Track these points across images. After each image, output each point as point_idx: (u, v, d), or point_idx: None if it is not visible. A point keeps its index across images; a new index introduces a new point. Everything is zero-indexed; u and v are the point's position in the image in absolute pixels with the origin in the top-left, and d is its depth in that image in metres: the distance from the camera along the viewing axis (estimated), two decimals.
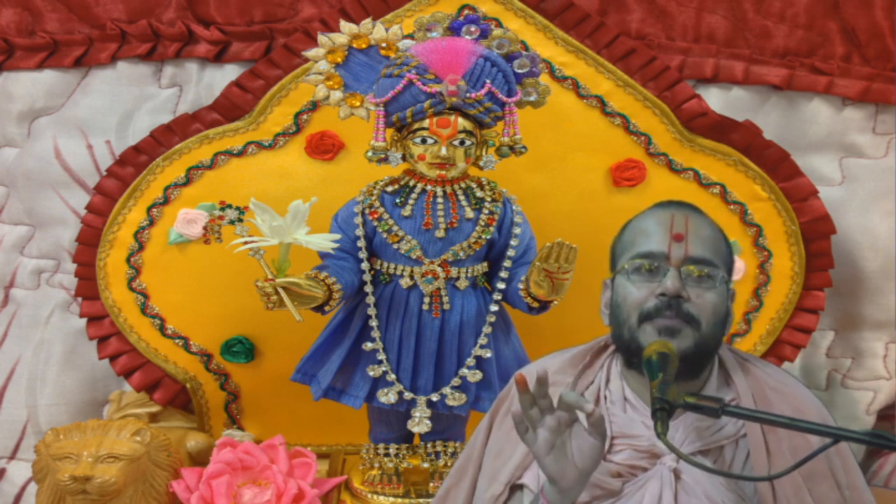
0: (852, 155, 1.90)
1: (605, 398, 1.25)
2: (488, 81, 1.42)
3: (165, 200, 1.76)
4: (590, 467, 1.11)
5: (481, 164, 1.50)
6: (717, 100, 1.84)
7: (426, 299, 1.51)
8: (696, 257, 1.19)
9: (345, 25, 1.46)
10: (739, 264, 1.82)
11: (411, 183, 1.51)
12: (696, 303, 1.18)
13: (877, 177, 1.90)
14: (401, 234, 1.50)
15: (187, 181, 1.76)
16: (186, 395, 1.84)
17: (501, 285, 1.52)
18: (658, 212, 1.24)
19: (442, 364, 1.53)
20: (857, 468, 1.23)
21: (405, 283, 1.51)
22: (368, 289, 1.52)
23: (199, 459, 1.70)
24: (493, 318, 1.53)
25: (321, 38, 1.46)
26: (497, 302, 1.53)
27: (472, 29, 1.45)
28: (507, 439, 1.27)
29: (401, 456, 1.61)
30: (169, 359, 1.81)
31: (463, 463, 1.32)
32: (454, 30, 1.46)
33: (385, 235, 1.50)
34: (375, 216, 1.51)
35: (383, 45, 1.46)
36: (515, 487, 1.24)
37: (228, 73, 1.81)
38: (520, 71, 1.47)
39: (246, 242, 1.41)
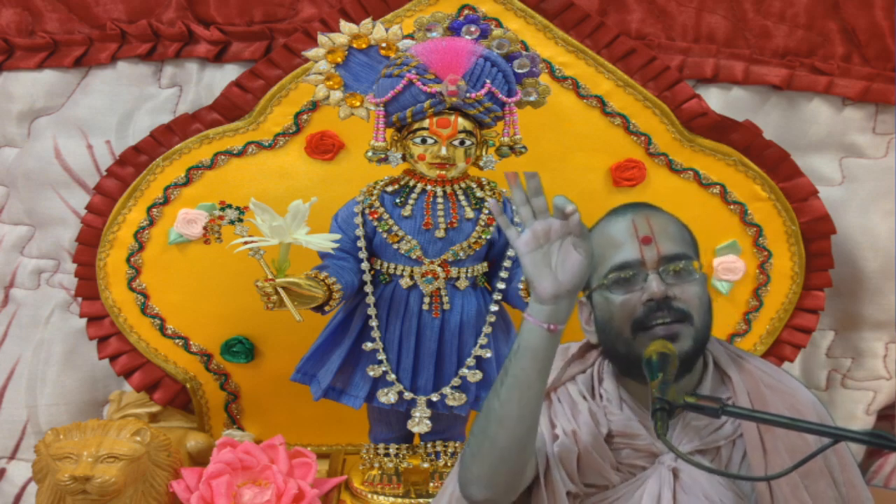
0: (852, 155, 1.90)
1: (602, 396, 1.25)
2: (488, 81, 1.42)
3: (165, 200, 1.76)
4: (569, 283, 1.08)
5: (481, 164, 1.50)
6: (717, 100, 1.84)
7: (426, 299, 1.51)
8: (669, 255, 1.18)
9: (345, 25, 1.46)
10: (739, 264, 1.82)
11: (411, 183, 1.51)
12: (683, 298, 1.17)
13: (877, 177, 1.90)
14: (401, 234, 1.50)
15: (187, 181, 1.76)
16: (186, 395, 1.84)
17: (501, 285, 1.52)
18: (618, 220, 1.22)
19: (442, 364, 1.53)
20: (855, 465, 1.23)
21: (405, 283, 1.50)
22: (368, 289, 1.52)
23: (199, 459, 1.70)
24: (493, 318, 1.53)
25: (321, 38, 1.46)
26: (497, 302, 1.53)
27: (472, 29, 1.45)
28: None
29: (401, 456, 1.61)
30: (169, 359, 1.81)
31: None
32: (454, 30, 1.46)
33: (385, 235, 1.50)
34: (375, 216, 1.51)
35: (383, 45, 1.46)
36: None
37: (228, 73, 1.81)
38: (520, 71, 1.47)
39: (246, 242, 1.41)
